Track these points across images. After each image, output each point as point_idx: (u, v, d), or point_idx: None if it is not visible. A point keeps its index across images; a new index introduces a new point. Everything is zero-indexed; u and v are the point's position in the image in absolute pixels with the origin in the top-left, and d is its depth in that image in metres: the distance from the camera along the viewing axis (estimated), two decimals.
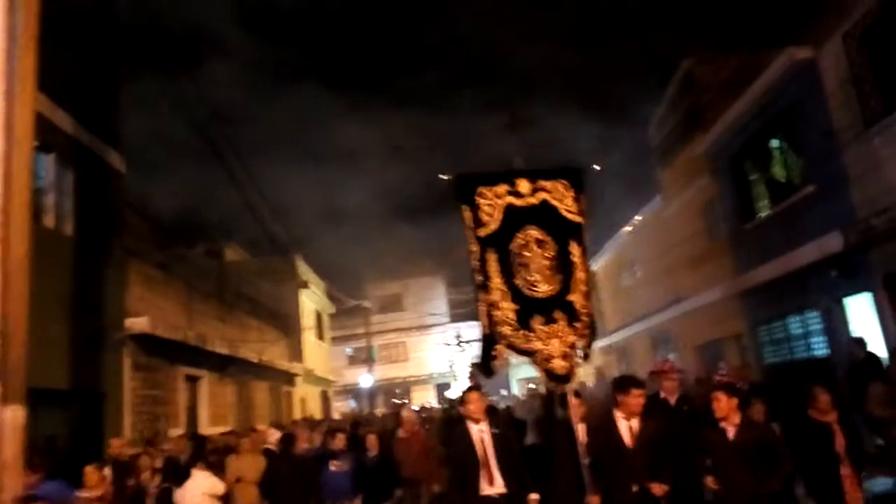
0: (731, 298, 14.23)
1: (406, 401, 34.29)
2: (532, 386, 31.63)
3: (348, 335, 35.21)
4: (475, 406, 5.25)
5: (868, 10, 9.14)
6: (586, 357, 5.14)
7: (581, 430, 4.94)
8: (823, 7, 9.90)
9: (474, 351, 31.12)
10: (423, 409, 18.76)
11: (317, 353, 26.72)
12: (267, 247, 23.42)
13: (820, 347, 11.38)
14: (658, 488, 4.81)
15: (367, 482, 8.07)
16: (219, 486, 6.71)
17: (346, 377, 34.94)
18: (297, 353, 23.19)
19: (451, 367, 35.64)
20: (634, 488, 4.86)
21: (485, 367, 4.88)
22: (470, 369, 30.16)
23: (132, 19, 11.90)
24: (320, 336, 28.30)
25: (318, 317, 28.29)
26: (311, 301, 26.68)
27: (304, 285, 24.90)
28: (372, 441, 8.68)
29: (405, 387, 37.68)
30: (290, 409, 21.43)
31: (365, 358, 29.76)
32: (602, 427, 5.16)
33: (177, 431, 12.16)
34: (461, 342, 29.58)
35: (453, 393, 26.97)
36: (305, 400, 23.88)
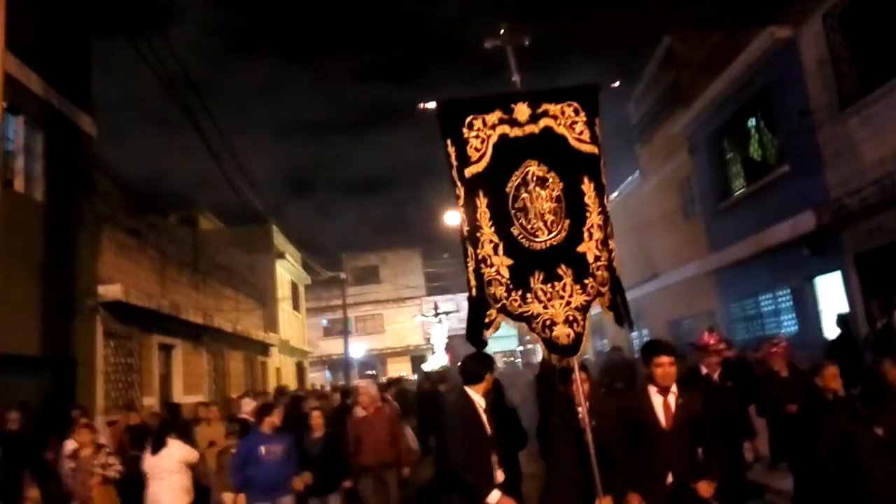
0: (704, 275, 14.42)
1: (372, 372, 34.47)
2: (510, 360, 31.98)
3: (324, 307, 35.18)
4: (487, 385, 4.52)
5: None
6: (619, 321, 4.25)
7: (585, 413, 4.05)
8: None
9: (451, 323, 31.22)
10: (392, 381, 18.56)
11: (292, 324, 26.66)
12: (242, 216, 23.22)
13: (790, 325, 11.61)
14: (706, 488, 4.01)
15: (309, 470, 6.45)
16: (193, 455, 6.70)
17: (322, 348, 34.97)
18: (272, 324, 23.12)
19: (427, 339, 35.74)
20: (669, 479, 4.07)
21: (474, 336, 4.11)
22: (446, 341, 30.24)
23: None
24: (296, 307, 28.22)
25: (294, 287, 28.18)
26: (287, 272, 26.54)
27: (281, 255, 24.74)
28: (317, 419, 6.95)
29: (381, 359, 37.83)
30: (265, 379, 21.41)
31: (341, 329, 29.73)
32: (633, 404, 4.32)
33: (150, 400, 12.11)
34: (438, 314, 29.56)
35: (430, 365, 27.03)
36: (281, 370, 23.87)
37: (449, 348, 29.32)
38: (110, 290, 11.01)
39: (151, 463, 6.43)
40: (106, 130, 11.94)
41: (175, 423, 7.97)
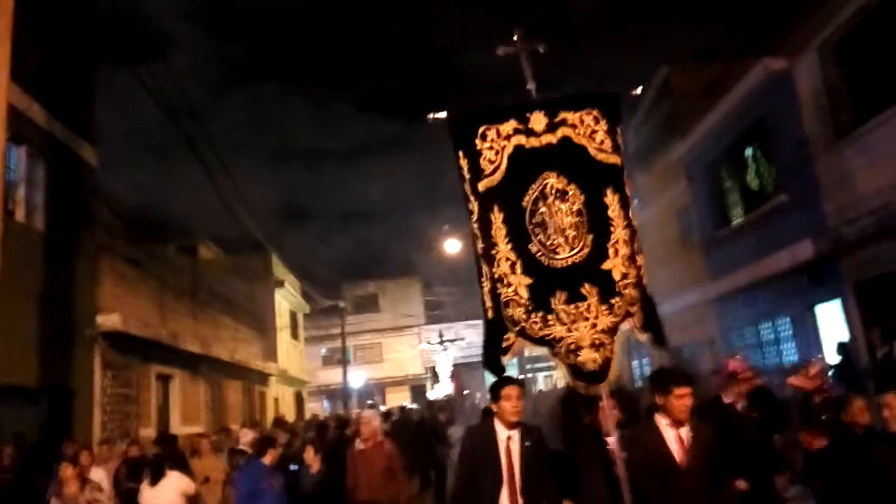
0: (704, 303, 14.41)
1: (371, 402, 34.17)
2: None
3: (323, 335, 35.01)
4: (513, 405, 4.00)
5: (842, 23, 9.31)
6: (659, 342, 3.97)
7: (615, 444, 3.75)
8: (799, 19, 10.07)
9: (455, 352, 31.06)
10: (393, 410, 18.19)
11: (291, 354, 26.52)
12: (242, 245, 23.24)
13: (790, 353, 11.56)
14: None
15: None
16: (192, 486, 6.62)
17: (321, 378, 34.73)
18: (271, 353, 23.00)
19: (433, 367, 35.50)
20: None
21: (492, 362, 3.80)
22: (451, 369, 30.01)
23: (107, 12, 11.73)
24: (295, 336, 28.10)
25: (293, 316, 28.10)
26: (286, 300, 26.49)
27: (280, 284, 24.72)
28: (310, 454, 6.72)
29: (380, 388, 37.57)
30: (264, 409, 21.23)
31: (339, 359, 29.59)
32: (642, 438, 3.88)
33: (148, 431, 12.00)
34: (444, 342, 29.38)
35: (434, 394, 26.74)
36: (279, 400, 23.69)
37: (454, 377, 29.13)
38: (109, 320, 10.97)
39: (150, 495, 6.35)
40: (107, 160, 12.03)
41: (173, 454, 7.89)
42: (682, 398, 3.74)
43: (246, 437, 10.65)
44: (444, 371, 29.84)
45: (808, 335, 11.05)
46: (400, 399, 33.50)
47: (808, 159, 10.21)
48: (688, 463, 3.69)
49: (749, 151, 12.63)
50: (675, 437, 3.76)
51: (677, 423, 3.77)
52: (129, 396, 11.77)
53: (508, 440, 3.97)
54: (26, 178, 9.50)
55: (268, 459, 6.24)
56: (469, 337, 35.61)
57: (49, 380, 9.35)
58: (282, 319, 25.20)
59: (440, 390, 27.77)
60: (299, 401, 28.20)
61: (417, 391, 35.33)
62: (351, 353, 34.59)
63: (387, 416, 14.69)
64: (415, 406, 24.94)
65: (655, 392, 3.88)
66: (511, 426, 3.99)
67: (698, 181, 14.33)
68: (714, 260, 13.86)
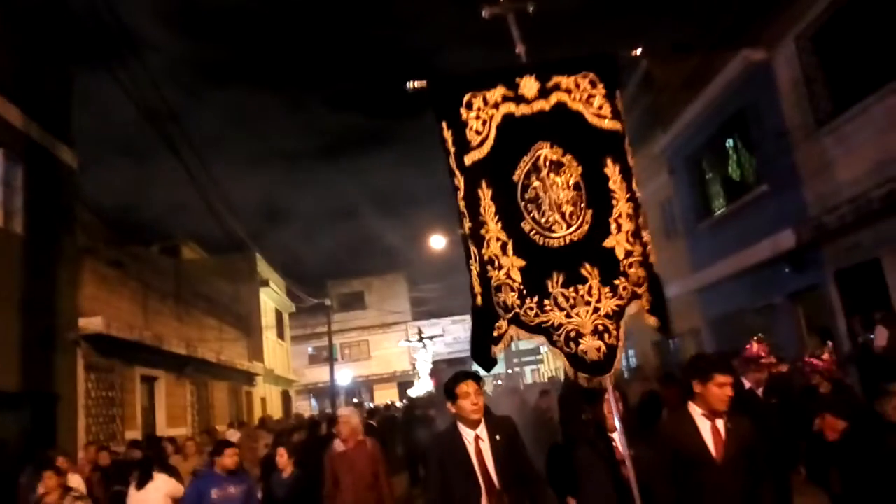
0: (688, 294, 14.50)
1: (357, 400, 34.13)
2: (499, 382, 31.77)
3: (309, 334, 34.94)
4: (472, 402, 3.59)
5: (820, 13, 9.40)
6: (664, 329, 3.60)
7: (622, 440, 3.42)
8: (777, 9, 10.14)
9: (437, 348, 31.03)
10: (377, 408, 18.06)
11: (277, 353, 26.43)
12: (225, 245, 23.10)
13: (773, 341, 11.67)
14: None
15: None
16: (179, 489, 6.57)
17: (308, 376, 34.65)
18: (257, 353, 22.90)
19: (412, 364, 35.57)
20: None
21: (481, 354, 3.46)
22: (431, 367, 30.01)
23: (84, 14, 11.58)
24: (281, 335, 28.00)
25: (279, 315, 27.98)
26: (272, 299, 26.37)
27: (265, 283, 24.60)
28: (283, 457, 6.21)
29: (368, 386, 37.54)
30: (251, 409, 21.15)
31: (326, 357, 29.50)
32: (672, 430, 3.52)
33: (133, 433, 11.91)
34: (423, 338, 29.38)
35: (416, 391, 26.74)
36: (266, 400, 23.60)
37: (434, 373, 29.12)
38: (91, 323, 10.87)
39: (137, 498, 6.30)
40: (86, 162, 11.90)
41: (161, 456, 7.83)
42: (723, 387, 3.37)
43: (233, 437, 10.60)
44: (425, 368, 29.80)
45: (791, 324, 11.16)
46: (388, 396, 33.51)
47: (787, 149, 10.30)
48: (724, 457, 3.33)
49: (730, 142, 12.72)
50: (710, 429, 3.40)
51: (714, 414, 3.41)
52: (114, 399, 11.68)
53: (477, 441, 3.58)
54: (4, 181, 9.39)
55: (222, 464, 5.56)
56: (455, 332, 35.65)
57: (32, 384, 9.25)
58: (267, 319, 25.09)
59: (420, 387, 27.73)
60: (287, 400, 28.12)
61: (405, 388, 35.30)
62: (338, 351, 34.52)
63: (372, 413, 14.66)
64: (400, 403, 24.96)
65: (692, 378, 3.48)
66: (475, 424, 3.61)
67: (680, 173, 14.42)
68: (697, 251, 13.96)
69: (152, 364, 13.40)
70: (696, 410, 3.45)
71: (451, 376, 3.74)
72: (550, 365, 29.70)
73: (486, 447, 3.56)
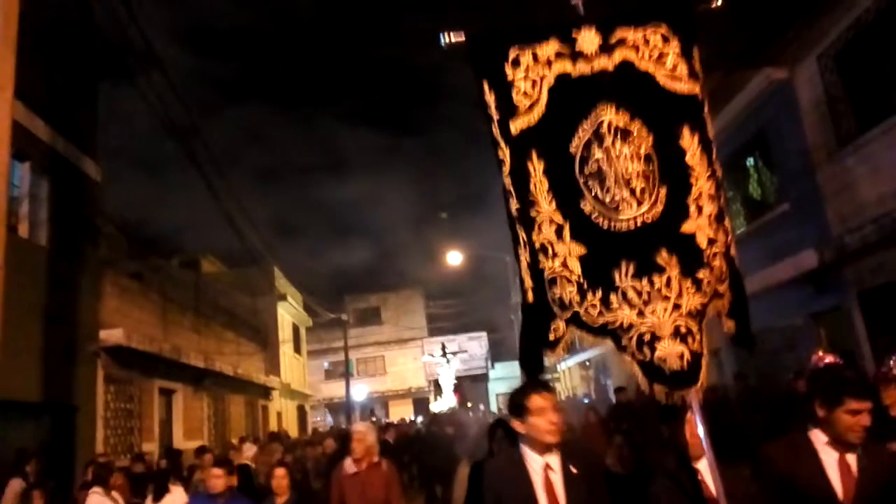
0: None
1: (374, 418, 33.98)
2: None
3: (325, 349, 34.98)
4: (549, 419, 2.87)
5: (842, 32, 9.34)
6: (743, 340, 3.00)
7: (713, 471, 2.67)
8: (799, 28, 10.10)
9: (458, 364, 30.85)
10: (392, 425, 17.80)
11: (294, 367, 26.49)
12: (244, 259, 23.27)
13: (795, 363, 11.50)
14: None
15: None
16: None
17: (323, 391, 34.66)
18: (273, 367, 22.97)
19: (435, 380, 35.39)
20: None
21: (530, 359, 2.85)
22: (455, 382, 29.84)
23: (110, 30, 11.82)
24: (297, 349, 28.06)
25: (296, 330, 28.07)
26: (289, 314, 26.47)
27: (282, 297, 24.71)
28: (279, 480, 5.41)
29: (383, 401, 37.46)
30: (267, 423, 21.18)
31: (342, 372, 29.49)
32: (784, 461, 2.79)
33: (150, 446, 11.97)
34: (446, 353, 29.25)
35: (439, 406, 26.52)
36: (282, 414, 23.62)
37: (458, 389, 28.97)
38: (112, 335, 10.97)
39: None
40: (110, 175, 12.09)
41: (178, 468, 7.86)
42: (857, 415, 2.67)
43: (248, 451, 10.61)
44: (447, 384, 29.63)
45: (812, 345, 10.99)
46: (403, 412, 33.39)
47: (809, 168, 10.20)
48: (856, 501, 2.63)
49: (750, 161, 12.63)
50: (836, 464, 2.71)
51: (843, 446, 2.72)
52: (132, 411, 11.76)
53: (546, 470, 2.86)
54: (30, 194, 9.54)
55: (215, 484, 5.12)
56: (471, 349, 35.53)
57: (52, 395, 9.34)
58: (284, 333, 25.19)
59: (443, 403, 27.58)
60: (302, 415, 28.12)
61: (420, 404, 35.19)
62: (353, 367, 34.53)
63: (385, 429, 14.49)
64: (419, 419, 24.84)
65: (816, 399, 2.81)
66: (546, 449, 2.88)
67: None
68: None
69: (170, 377, 13.48)
70: (819, 438, 2.77)
71: (519, 387, 3.09)
72: (567, 384, 29.41)
73: (557, 479, 2.86)
